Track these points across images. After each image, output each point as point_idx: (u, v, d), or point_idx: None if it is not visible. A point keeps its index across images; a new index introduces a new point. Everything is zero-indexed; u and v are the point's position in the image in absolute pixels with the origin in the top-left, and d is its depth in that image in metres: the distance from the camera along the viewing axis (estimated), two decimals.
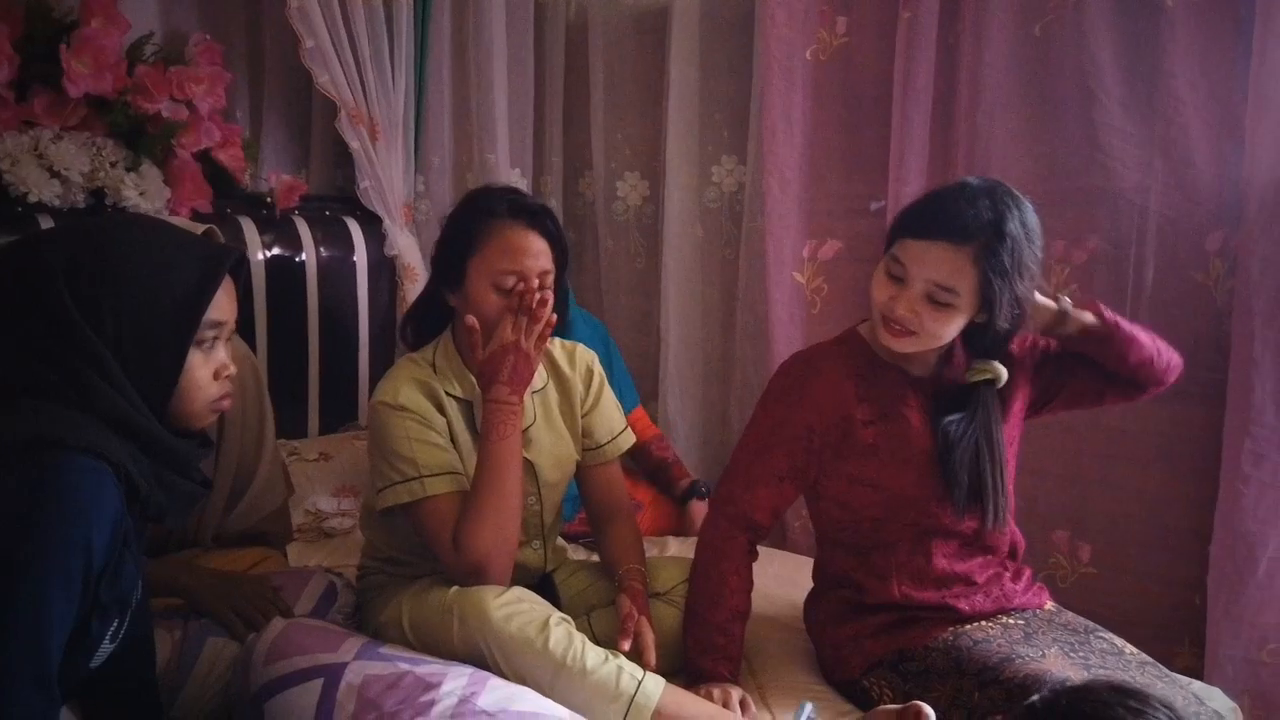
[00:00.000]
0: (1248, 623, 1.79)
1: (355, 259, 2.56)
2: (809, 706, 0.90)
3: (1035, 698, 0.76)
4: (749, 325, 2.64)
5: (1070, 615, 1.53)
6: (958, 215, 1.36)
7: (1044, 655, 1.36)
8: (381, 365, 2.65)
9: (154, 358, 1.06)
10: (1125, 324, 1.49)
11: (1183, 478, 1.99)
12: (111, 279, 1.04)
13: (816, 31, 2.38)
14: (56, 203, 2.00)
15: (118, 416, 1.03)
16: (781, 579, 1.84)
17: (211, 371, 1.12)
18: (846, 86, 2.39)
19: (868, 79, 2.36)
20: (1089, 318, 1.48)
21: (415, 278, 2.63)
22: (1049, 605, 1.56)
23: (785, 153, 2.41)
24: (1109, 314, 1.49)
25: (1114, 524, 2.07)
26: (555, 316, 1.47)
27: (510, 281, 1.49)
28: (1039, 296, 1.46)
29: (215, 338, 1.12)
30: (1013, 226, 1.36)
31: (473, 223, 1.54)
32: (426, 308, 1.65)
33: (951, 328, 1.41)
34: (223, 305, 1.11)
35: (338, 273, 2.52)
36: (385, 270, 2.63)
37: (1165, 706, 0.71)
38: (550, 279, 1.53)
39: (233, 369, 1.15)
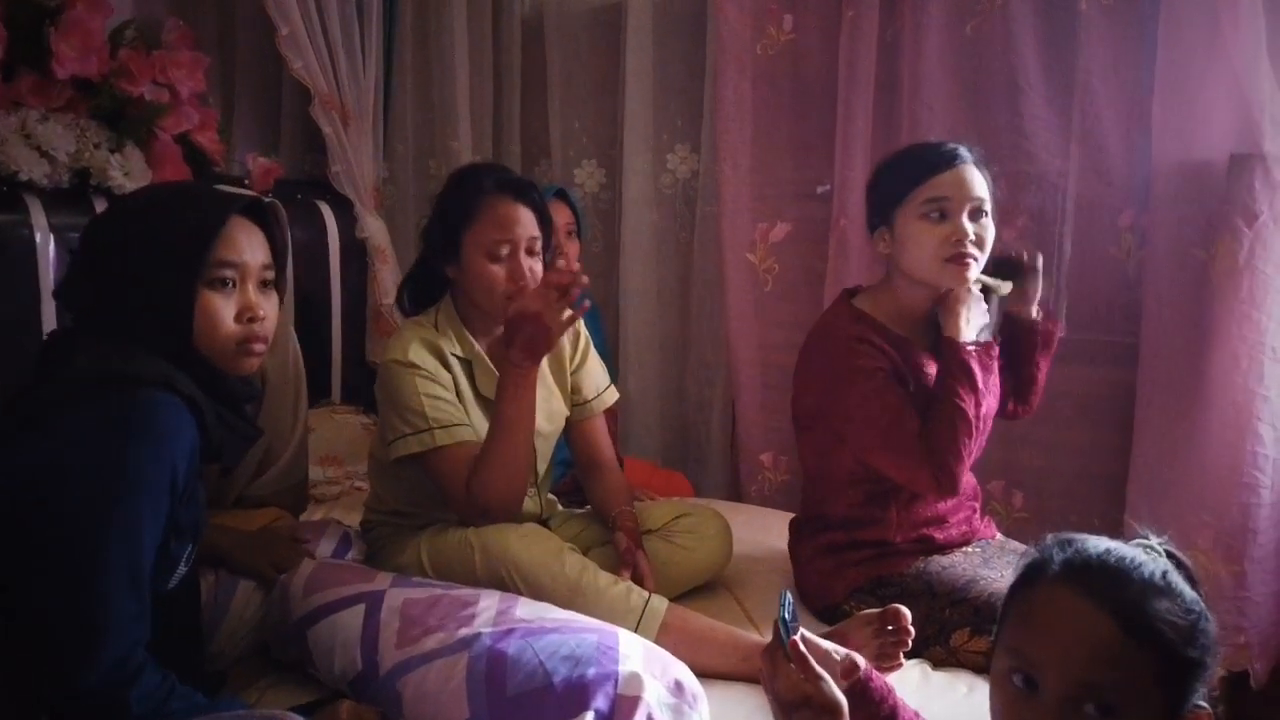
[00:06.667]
0: None
1: (328, 241, 2.64)
2: (788, 595, 1.04)
3: (1046, 550, 0.91)
4: (704, 305, 2.79)
5: (1015, 544, 1.75)
6: (954, 146, 1.61)
7: (1002, 576, 1.57)
8: (354, 344, 2.74)
9: (164, 295, 1.13)
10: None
11: (1100, 431, 2.22)
12: (121, 226, 1.16)
13: (765, 27, 2.55)
14: (45, 182, 2.04)
15: (159, 348, 1.12)
16: (751, 526, 2.01)
17: (233, 312, 1.17)
18: (793, 79, 2.56)
19: (813, 72, 2.54)
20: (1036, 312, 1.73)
21: (386, 260, 2.73)
22: (998, 536, 1.77)
23: (737, 140, 2.58)
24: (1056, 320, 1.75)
25: (1042, 474, 2.30)
26: (588, 303, 1.57)
27: (503, 250, 1.61)
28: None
29: (233, 278, 1.17)
30: (979, 152, 1.66)
31: (464, 199, 1.66)
32: (420, 280, 1.76)
33: (990, 241, 1.60)
34: (237, 245, 1.17)
35: (312, 255, 2.60)
36: (356, 253, 2.72)
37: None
38: (538, 244, 1.66)
39: (261, 312, 1.19)
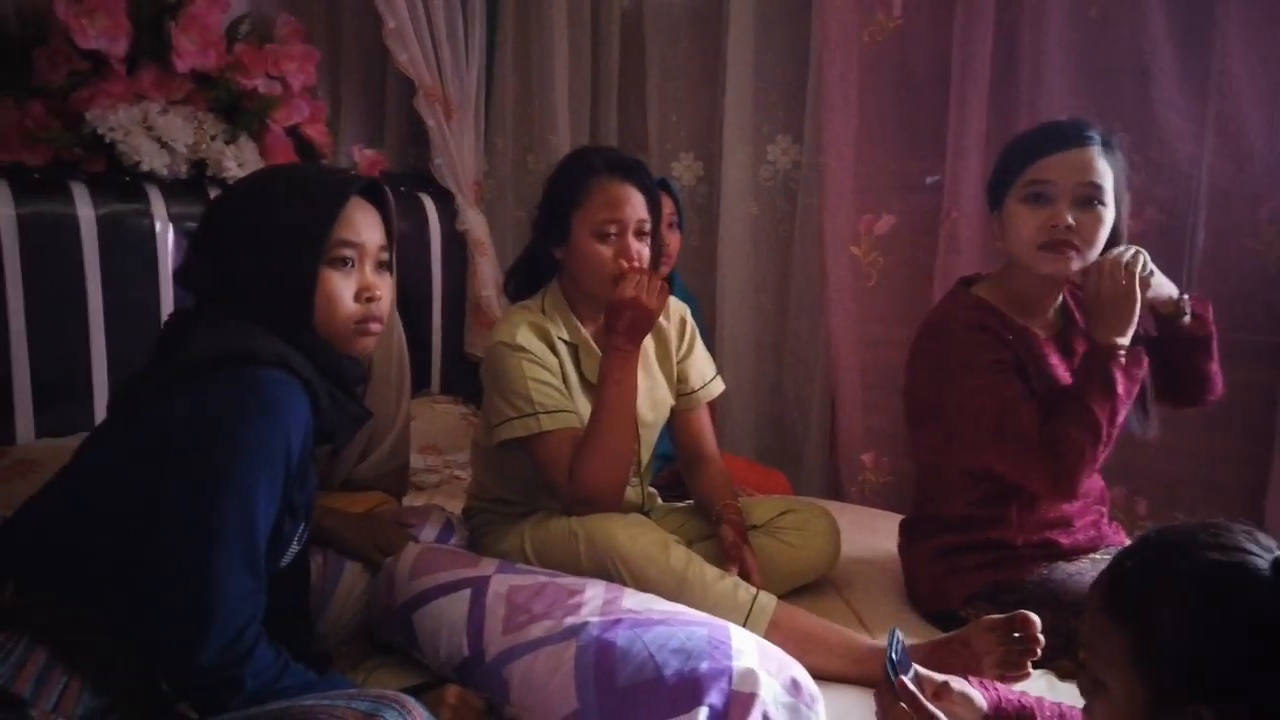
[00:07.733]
0: None
1: (430, 234, 2.67)
2: (897, 633, 1.01)
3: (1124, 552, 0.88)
4: (803, 300, 2.73)
5: None
6: (1076, 126, 1.51)
7: None
8: (453, 337, 2.76)
9: (287, 274, 1.14)
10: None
11: (1234, 437, 2.08)
12: (243, 207, 1.17)
13: (873, 12, 2.47)
14: (164, 172, 2.11)
15: (278, 327, 1.13)
16: (859, 526, 1.94)
17: (352, 291, 1.18)
18: (902, 66, 2.48)
19: (923, 59, 2.45)
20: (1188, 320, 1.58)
21: (485, 252, 2.74)
22: (1127, 543, 1.66)
23: (842, 131, 2.51)
24: (1211, 320, 1.60)
25: (1168, 481, 2.18)
26: (666, 284, 1.57)
27: (612, 229, 1.59)
28: (1162, 277, 1.56)
29: (352, 258, 1.18)
30: (1113, 137, 1.54)
31: (575, 180, 1.65)
32: (529, 265, 1.75)
33: (1101, 234, 1.50)
34: (355, 225, 1.18)
35: (414, 247, 2.63)
36: (456, 245, 2.74)
37: (1242, 530, 0.82)
38: (646, 226, 1.63)
39: (379, 292, 1.20)
